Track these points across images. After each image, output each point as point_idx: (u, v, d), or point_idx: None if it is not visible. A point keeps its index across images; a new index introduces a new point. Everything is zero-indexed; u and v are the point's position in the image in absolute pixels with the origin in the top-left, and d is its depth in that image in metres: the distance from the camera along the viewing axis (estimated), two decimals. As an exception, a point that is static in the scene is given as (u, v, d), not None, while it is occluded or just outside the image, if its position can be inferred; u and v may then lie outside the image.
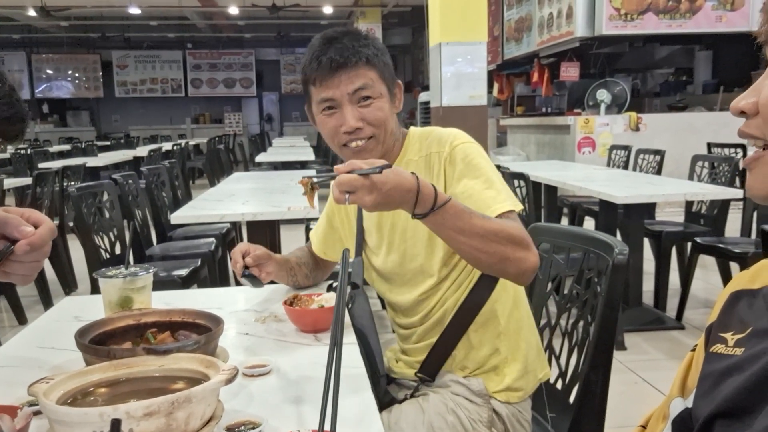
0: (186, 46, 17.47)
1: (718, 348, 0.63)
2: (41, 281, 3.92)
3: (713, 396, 0.60)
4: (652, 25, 6.81)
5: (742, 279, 0.68)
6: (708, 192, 3.32)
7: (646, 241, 3.65)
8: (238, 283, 1.45)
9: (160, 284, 2.78)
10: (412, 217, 1.07)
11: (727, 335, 0.63)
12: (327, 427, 0.75)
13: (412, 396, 1.38)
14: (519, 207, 1.25)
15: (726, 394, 0.57)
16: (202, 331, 1.04)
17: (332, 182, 1.02)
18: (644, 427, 0.75)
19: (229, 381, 0.79)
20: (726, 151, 5.05)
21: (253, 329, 1.30)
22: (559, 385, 1.45)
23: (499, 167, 3.64)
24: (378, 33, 12.51)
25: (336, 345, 0.79)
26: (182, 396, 0.74)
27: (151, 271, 1.23)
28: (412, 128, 1.41)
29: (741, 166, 4.08)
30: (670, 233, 3.58)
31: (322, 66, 1.24)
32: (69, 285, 4.34)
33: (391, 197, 1.01)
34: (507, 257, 1.13)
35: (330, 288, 1.46)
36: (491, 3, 8.41)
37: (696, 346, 0.70)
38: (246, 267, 1.35)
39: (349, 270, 1.65)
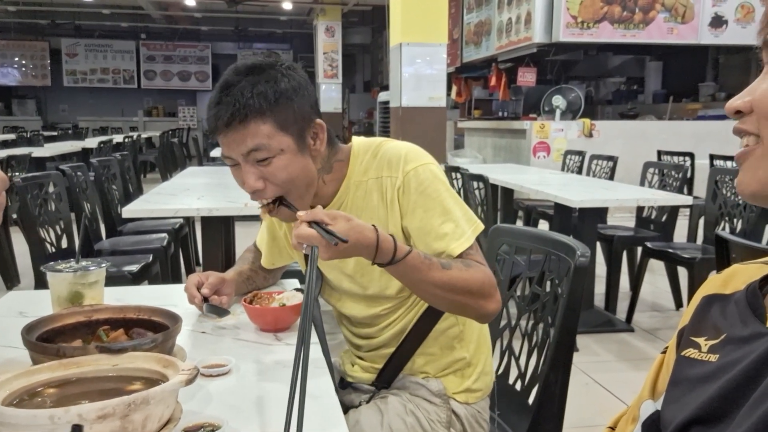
0: (140, 36, 17.02)
1: (691, 352, 0.63)
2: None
3: (686, 402, 0.60)
4: (607, 34, 6.97)
5: (714, 283, 0.69)
6: (660, 198, 3.41)
7: (598, 245, 3.73)
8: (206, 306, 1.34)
9: (109, 280, 2.68)
10: (372, 264, 1.07)
11: (700, 340, 0.63)
12: (293, 429, 0.73)
13: (368, 401, 1.35)
14: (479, 229, 1.21)
15: (701, 401, 0.57)
16: (158, 329, 1.00)
17: (294, 230, 0.99)
18: (612, 428, 0.75)
19: (190, 381, 0.75)
20: (675, 159, 5.21)
21: (211, 328, 1.25)
22: (518, 386, 1.46)
23: (458, 169, 3.65)
24: (338, 31, 12.45)
25: (303, 344, 0.77)
26: (139, 397, 0.70)
27: (103, 265, 1.18)
28: (355, 141, 1.27)
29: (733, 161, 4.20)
30: (621, 237, 3.66)
31: (212, 119, 1.12)
32: (11, 279, 4.16)
33: (348, 253, 1.02)
34: (466, 305, 1.15)
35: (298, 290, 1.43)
36: (451, 6, 8.45)
37: (666, 348, 0.70)
38: (205, 299, 1.29)
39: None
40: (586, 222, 3.35)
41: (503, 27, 7.90)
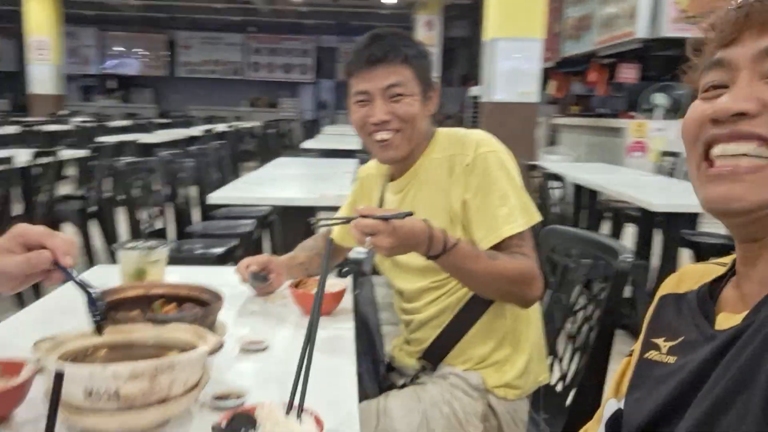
0: (248, 30, 17.76)
1: (653, 354, 0.64)
2: (88, 252, 4.12)
3: (644, 404, 0.61)
4: (718, 29, 6.56)
5: (670, 283, 0.70)
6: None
7: (685, 252, 3.57)
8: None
9: (196, 260, 2.90)
10: (426, 259, 1.17)
11: (659, 341, 0.64)
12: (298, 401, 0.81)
13: (411, 382, 1.42)
14: (534, 220, 1.29)
15: (656, 404, 0.59)
16: (206, 305, 1.11)
17: (353, 223, 1.09)
18: None
19: (213, 352, 0.85)
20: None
21: (259, 308, 1.36)
22: (559, 387, 1.47)
23: (535, 167, 3.61)
24: (438, 25, 12.43)
25: (313, 325, 0.85)
26: (166, 362, 0.80)
27: (165, 246, 1.30)
28: (439, 129, 1.44)
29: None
30: (708, 244, 3.48)
31: (361, 59, 1.32)
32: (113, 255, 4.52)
33: (407, 241, 1.11)
34: (509, 292, 1.25)
35: (340, 273, 1.51)
36: (552, 0, 8.26)
37: (632, 351, 0.71)
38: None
39: (364, 257, 1.72)
40: (669, 226, 3.22)
41: (605, 21, 7.62)
